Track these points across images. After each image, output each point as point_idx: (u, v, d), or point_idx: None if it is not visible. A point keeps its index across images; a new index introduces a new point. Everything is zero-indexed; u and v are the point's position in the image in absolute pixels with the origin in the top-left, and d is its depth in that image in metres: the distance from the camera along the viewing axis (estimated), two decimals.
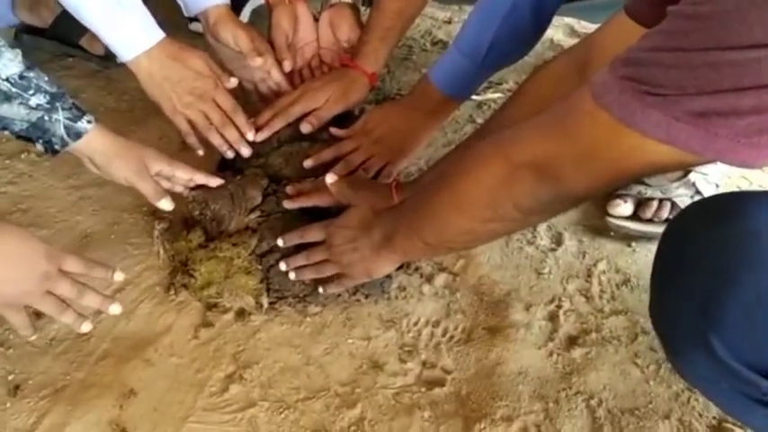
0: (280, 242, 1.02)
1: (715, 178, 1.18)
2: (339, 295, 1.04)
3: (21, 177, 1.26)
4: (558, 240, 1.17)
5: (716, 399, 0.65)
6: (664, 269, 0.62)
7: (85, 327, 0.89)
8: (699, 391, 0.70)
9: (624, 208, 1.16)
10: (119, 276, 0.92)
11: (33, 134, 0.97)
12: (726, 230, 0.55)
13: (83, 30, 1.54)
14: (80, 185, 1.24)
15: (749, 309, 0.52)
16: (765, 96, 0.46)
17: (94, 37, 1.55)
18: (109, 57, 1.57)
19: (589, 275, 1.11)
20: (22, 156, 1.30)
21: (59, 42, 1.56)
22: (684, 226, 0.62)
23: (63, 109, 0.97)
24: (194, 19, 1.60)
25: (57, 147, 0.98)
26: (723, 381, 0.57)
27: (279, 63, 1.24)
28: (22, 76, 0.94)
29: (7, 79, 0.93)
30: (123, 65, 1.41)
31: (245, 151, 1.16)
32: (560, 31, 1.67)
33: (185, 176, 1.08)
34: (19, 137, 0.98)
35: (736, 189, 1.25)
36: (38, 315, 0.97)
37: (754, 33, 0.45)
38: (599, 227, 1.19)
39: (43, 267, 0.83)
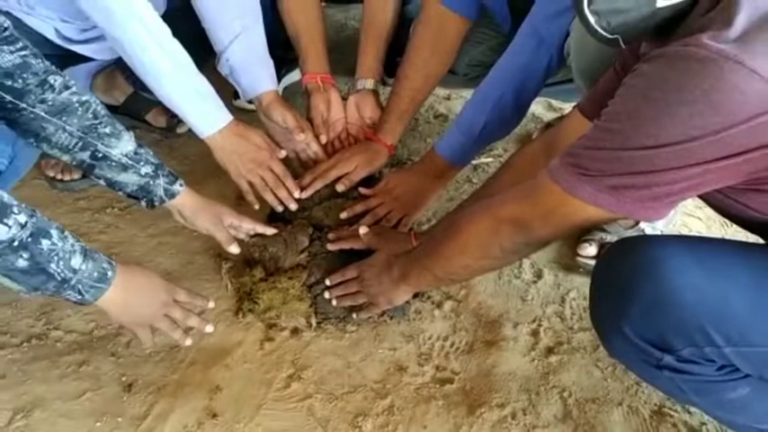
0: (327, 282, 1.33)
1: (660, 225, 1.51)
2: (370, 317, 1.34)
3: (109, 228, 1.57)
4: (538, 275, 1.48)
5: (633, 368, 0.94)
6: (595, 286, 0.93)
7: (188, 341, 1.21)
8: (623, 365, 0.99)
9: (590, 250, 1.48)
10: (212, 305, 1.25)
11: (140, 194, 1.29)
12: (630, 259, 0.86)
13: (149, 107, 1.90)
14: (157, 234, 1.55)
15: (646, 305, 0.82)
16: (652, 178, 0.78)
17: (158, 112, 1.91)
18: (169, 128, 1.90)
19: (563, 301, 1.42)
20: (108, 210, 1.61)
21: (128, 117, 1.87)
22: (608, 257, 0.93)
23: (163, 176, 1.29)
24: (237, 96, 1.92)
25: (156, 203, 1.31)
26: (633, 354, 0.87)
27: (316, 137, 1.58)
28: (136, 152, 1.26)
29: (126, 155, 1.25)
30: (181, 135, 1.75)
31: (293, 206, 1.48)
32: (540, 106, 2.01)
33: (249, 227, 1.40)
34: (129, 196, 1.30)
35: (677, 233, 1.57)
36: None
37: (643, 141, 0.77)
38: (571, 265, 1.50)
39: (164, 297, 1.16)
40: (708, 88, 0.71)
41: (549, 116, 1.97)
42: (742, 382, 0.85)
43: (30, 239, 0.96)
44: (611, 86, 0.95)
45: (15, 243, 0.95)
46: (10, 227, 0.94)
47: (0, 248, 0.94)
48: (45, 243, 0.99)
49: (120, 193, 1.29)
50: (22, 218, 0.96)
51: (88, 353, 1.29)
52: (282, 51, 1.78)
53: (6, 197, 0.96)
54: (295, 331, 1.33)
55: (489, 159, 1.80)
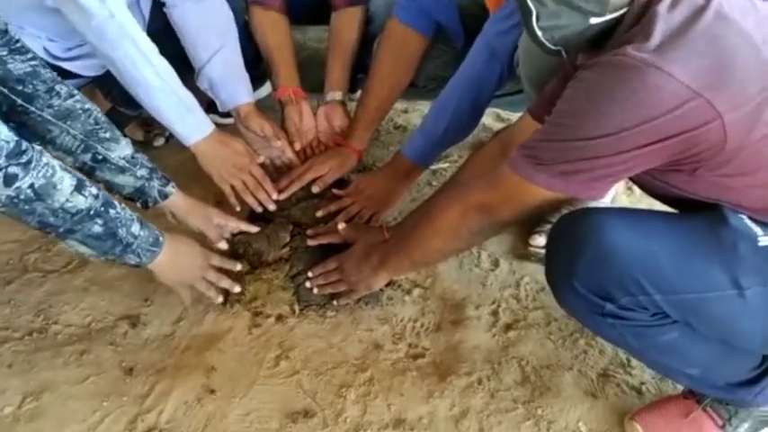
0: (310, 273, 1.47)
1: None
2: (348, 304, 1.48)
3: None
4: (496, 263, 1.64)
5: (582, 319, 1.10)
6: (550, 251, 1.10)
7: (220, 299, 1.42)
8: (574, 316, 1.15)
9: (540, 240, 1.65)
10: (239, 267, 1.45)
11: (135, 196, 1.42)
12: (576, 227, 1.03)
13: (126, 122, 2.00)
14: None
15: (590, 263, 0.99)
16: (594, 163, 0.95)
17: (135, 127, 2.02)
18: (146, 142, 2.02)
19: (518, 285, 1.58)
20: None
21: None
22: (558, 228, 1.10)
23: (156, 178, 1.42)
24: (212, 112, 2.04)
25: (150, 204, 1.43)
26: (582, 305, 1.03)
27: (290, 144, 1.73)
28: (132, 156, 1.39)
29: (123, 158, 1.38)
30: (157, 147, 1.87)
31: (272, 207, 1.62)
32: (490, 117, 2.20)
33: (234, 225, 1.54)
34: (125, 197, 1.42)
35: None
36: (133, 324, 1.40)
37: (586, 133, 0.94)
38: (524, 254, 1.67)
39: (201, 261, 1.36)
40: (634, 89, 0.89)
41: (498, 126, 2.16)
42: (671, 327, 1.03)
43: (102, 208, 1.14)
44: (556, 92, 1.11)
45: (92, 211, 1.12)
46: (86, 197, 1.12)
47: (80, 216, 1.11)
48: (112, 212, 1.16)
49: (118, 195, 1.41)
50: (94, 190, 1.14)
51: (88, 343, 1.39)
52: (251, 69, 1.92)
53: (78, 174, 1.13)
54: (280, 318, 1.46)
55: (446, 165, 1.97)
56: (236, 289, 1.43)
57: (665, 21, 0.91)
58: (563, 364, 1.39)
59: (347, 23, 1.80)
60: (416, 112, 2.23)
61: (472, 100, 1.54)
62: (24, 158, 1.03)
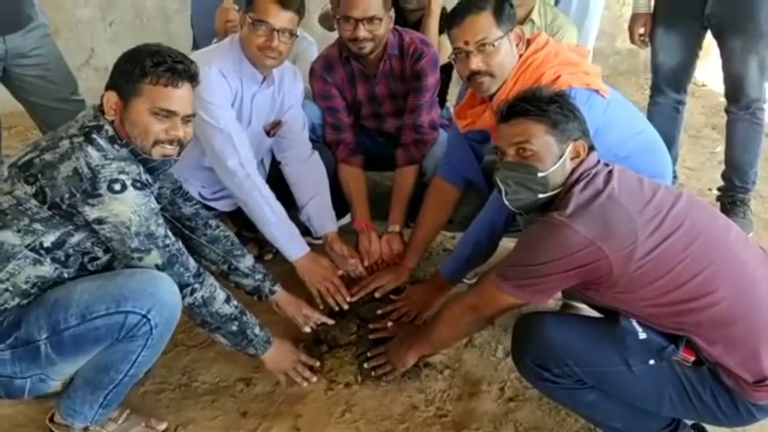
0: (368, 355, 2.08)
1: None
2: (396, 378, 2.08)
3: None
4: (507, 354, 2.18)
5: (533, 383, 1.65)
6: (513, 339, 1.68)
7: (305, 384, 2.00)
8: (527, 381, 1.70)
9: None
10: (318, 364, 2.05)
11: (253, 292, 2.10)
12: (527, 324, 1.62)
13: (247, 241, 2.71)
14: None
15: (534, 347, 1.57)
16: (534, 281, 1.55)
17: (253, 245, 2.74)
18: (261, 256, 2.71)
19: None
20: None
21: None
22: (517, 324, 1.68)
23: (268, 281, 2.11)
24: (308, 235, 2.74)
25: (263, 298, 2.11)
26: (532, 373, 1.60)
27: (361, 262, 2.40)
28: (254, 266, 2.09)
29: (248, 267, 2.07)
30: (268, 261, 2.57)
31: (345, 306, 2.27)
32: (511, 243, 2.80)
33: (318, 317, 2.19)
34: (247, 293, 2.10)
35: None
36: (247, 383, 2.05)
37: (528, 262, 1.55)
38: None
39: (294, 357, 1.98)
40: (556, 238, 1.50)
41: None
42: (590, 390, 1.58)
43: (239, 315, 1.79)
44: None
45: (233, 316, 1.78)
46: (231, 307, 1.78)
47: (225, 319, 1.76)
48: (245, 318, 1.81)
49: (243, 291, 2.10)
50: (236, 302, 1.79)
51: (217, 395, 2.04)
52: (339, 203, 2.61)
53: (226, 290, 1.78)
54: (347, 384, 2.07)
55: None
56: (314, 379, 2.02)
57: (576, 198, 1.53)
58: (546, 427, 1.93)
59: (406, 177, 2.51)
60: None
61: (487, 236, 2.16)
62: (201, 279, 1.73)
